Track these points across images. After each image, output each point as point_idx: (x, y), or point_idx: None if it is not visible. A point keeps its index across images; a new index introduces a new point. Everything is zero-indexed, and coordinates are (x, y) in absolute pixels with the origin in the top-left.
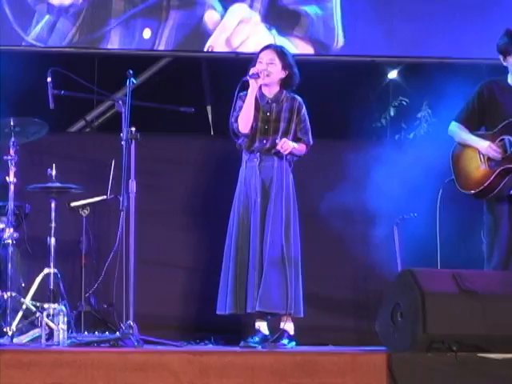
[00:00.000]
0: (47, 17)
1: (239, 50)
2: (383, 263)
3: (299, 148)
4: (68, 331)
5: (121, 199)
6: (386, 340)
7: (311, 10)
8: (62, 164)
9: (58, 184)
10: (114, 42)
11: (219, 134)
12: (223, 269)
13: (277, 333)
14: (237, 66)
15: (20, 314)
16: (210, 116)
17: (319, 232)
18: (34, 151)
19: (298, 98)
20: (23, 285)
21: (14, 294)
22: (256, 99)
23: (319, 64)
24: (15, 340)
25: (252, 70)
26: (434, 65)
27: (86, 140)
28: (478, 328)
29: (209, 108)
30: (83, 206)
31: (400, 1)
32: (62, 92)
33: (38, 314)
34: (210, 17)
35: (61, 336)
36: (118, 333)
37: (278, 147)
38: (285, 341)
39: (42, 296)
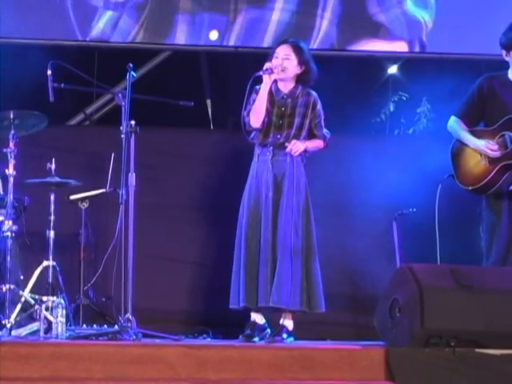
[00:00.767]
0: (109, 13)
1: None
2: (382, 258)
3: (314, 145)
4: (66, 324)
5: (120, 193)
6: (384, 335)
7: None
8: (61, 157)
9: (57, 179)
10: (180, 42)
11: (219, 127)
12: (234, 263)
13: (276, 328)
14: (236, 60)
15: (19, 306)
16: (209, 110)
17: (317, 227)
18: (33, 144)
19: (314, 94)
20: (22, 277)
21: (12, 287)
22: (271, 94)
23: (318, 59)
24: (13, 332)
25: (266, 65)
26: (434, 60)
27: (86, 133)
28: (476, 324)
29: (208, 102)
30: (82, 199)
31: None
32: (62, 85)
33: (36, 306)
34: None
35: (59, 329)
36: (116, 326)
37: (288, 149)
38: (283, 335)
39: (40, 289)
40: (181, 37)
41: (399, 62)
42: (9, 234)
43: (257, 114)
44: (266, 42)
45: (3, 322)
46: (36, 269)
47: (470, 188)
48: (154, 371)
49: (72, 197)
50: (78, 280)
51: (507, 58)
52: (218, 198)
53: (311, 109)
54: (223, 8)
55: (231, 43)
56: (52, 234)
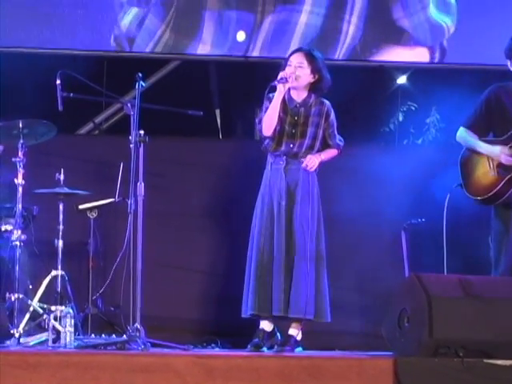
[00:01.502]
0: (134, 10)
1: None
2: (390, 268)
3: (328, 155)
4: (75, 333)
5: (129, 202)
6: (392, 344)
7: None
8: (70, 166)
9: (66, 189)
10: (207, 41)
11: (227, 137)
12: (247, 272)
13: (284, 336)
14: (245, 70)
15: (27, 316)
16: (218, 119)
17: (326, 236)
18: (42, 153)
19: (327, 103)
20: (30, 287)
21: (21, 296)
22: (284, 102)
23: (328, 68)
24: (22, 341)
25: (280, 75)
26: (443, 70)
27: (95, 142)
28: (485, 334)
29: (217, 111)
30: (91, 209)
31: None
32: (71, 94)
33: (45, 316)
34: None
35: (67, 338)
36: (124, 335)
37: (304, 165)
38: (292, 345)
39: (49, 298)
40: (207, 37)
41: (408, 72)
42: (18, 243)
43: (269, 122)
44: (294, 44)
45: (12, 331)
46: (45, 278)
47: (479, 198)
48: (163, 380)
49: (81, 206)
50: (86, 289)
51: None
52: (226, 206)
53: (324, 118)
54: (251, 8)
55: (258, 44)
56: (61, 243)
